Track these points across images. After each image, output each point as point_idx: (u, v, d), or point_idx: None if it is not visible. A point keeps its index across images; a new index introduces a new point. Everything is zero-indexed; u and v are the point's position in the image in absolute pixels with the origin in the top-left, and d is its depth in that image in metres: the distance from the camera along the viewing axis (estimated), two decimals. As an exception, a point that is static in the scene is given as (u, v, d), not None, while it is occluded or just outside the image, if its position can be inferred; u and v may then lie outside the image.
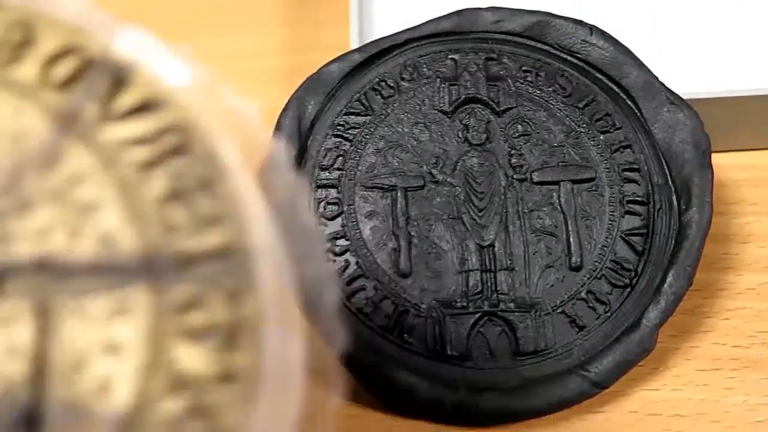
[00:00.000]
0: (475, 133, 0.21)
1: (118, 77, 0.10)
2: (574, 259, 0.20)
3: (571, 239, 0.20)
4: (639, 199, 0.20)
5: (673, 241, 0.20)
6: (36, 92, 0.10)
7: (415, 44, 0.22)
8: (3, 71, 0.10)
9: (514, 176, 0.21)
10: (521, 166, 0.21)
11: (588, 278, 0.20)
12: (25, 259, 0.09)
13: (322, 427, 0.10)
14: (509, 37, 0.22)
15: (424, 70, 0.22)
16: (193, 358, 0.09)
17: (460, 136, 0.21)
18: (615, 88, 0.21)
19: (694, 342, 0.20)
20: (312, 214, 0.11)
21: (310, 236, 0.10)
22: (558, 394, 0.19)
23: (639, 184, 0.21)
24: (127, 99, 0.10)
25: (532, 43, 0.22)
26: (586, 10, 0.23)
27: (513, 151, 0.21)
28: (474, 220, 0.20)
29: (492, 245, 0.20)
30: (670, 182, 0.21)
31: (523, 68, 0.22)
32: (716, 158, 0.21)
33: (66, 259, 0.09)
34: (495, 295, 0.20)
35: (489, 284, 0.20)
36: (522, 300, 0.20)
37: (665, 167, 0.21)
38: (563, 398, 0.19)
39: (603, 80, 0.22)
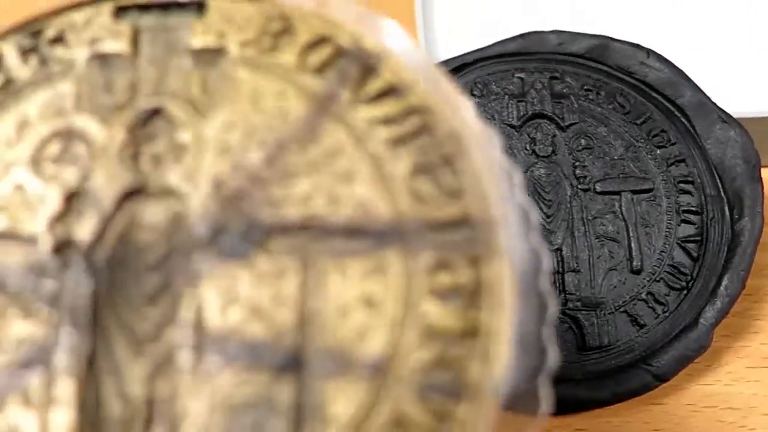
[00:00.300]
0: (541, 146, 0.23)
1: (368, 65, 0.12)
2: (634, 263, 0.22)
3: (632, 245, 0.22)
4: (693, 209, 0.22)
5: (726, 248, 0.22)
6: (295, 76, 0.12)
7: (483, 63, 0.24)
8: (266, 57, 0.12)
9: (579, 186, 0.22)
10: (585, 177, 0.22)
11: (648, 281, 0.21)
12: (290, 221, 0.11)
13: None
14: (572, 58, 0.24)
15: (493, 87, 0.24)
16: (440, 315, 0.10)
17: (528, 148, 0.23)
18: (670, 106, 0.23)
19: (745, 342, 0.22)
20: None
21: (527, 214, 0.11)
22: (622, 386, 0.20)
23: (693, 196, 0.22)
24: (375, 84, 0.12)
25: (593, 64, 0.24)
26: (643, 34, 0.25)
27: (577, 163, 0.23)
28: (542, 225, 0.22)
29: (560, 249, 0.22)
30: (722, 194, 0.22)
31: (585, 87, 0.24)
32: (765, 172, 0.22)
33: (326, 222, 0.11)
34: (563, 295, 0.21)
35: (557, 285, 0.21)
36: (587, 299, 0.21)
37: (717, 180, 0.22)
38: (627, 390, 0.20)
39: (659, 99, 0.23)
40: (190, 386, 0.10)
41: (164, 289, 0.11)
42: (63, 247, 0.11)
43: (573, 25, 0.24)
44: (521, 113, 0.23)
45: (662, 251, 0.22)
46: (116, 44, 0.12)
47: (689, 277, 0.21)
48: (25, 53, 0.12)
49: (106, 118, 0.12)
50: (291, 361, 0.10)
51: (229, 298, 0.11)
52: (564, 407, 0.20)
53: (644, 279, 0.21)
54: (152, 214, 0.11)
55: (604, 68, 0.24)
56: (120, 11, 0.13)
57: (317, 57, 0.12)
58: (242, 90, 0.12)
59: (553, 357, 0.11)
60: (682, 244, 0.22)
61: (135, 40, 0.12)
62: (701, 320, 0.21)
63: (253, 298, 0.11)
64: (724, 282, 0.21)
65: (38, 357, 0.11)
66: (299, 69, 0.12)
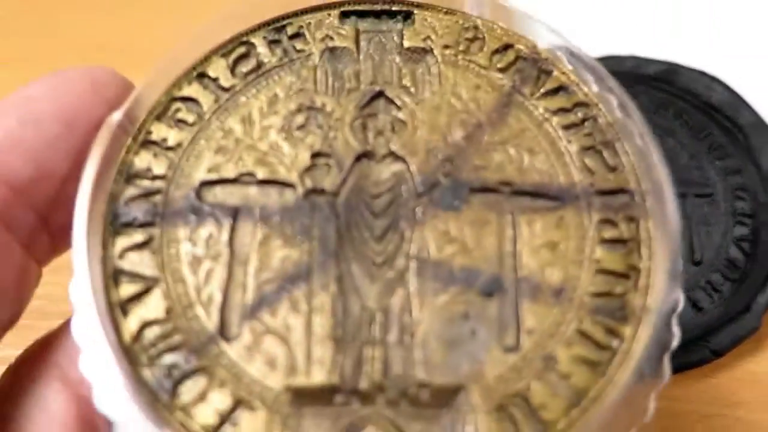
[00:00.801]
0: (617, 152, 0.26)
1: (542, 68, 0.16)
2: (696, 256, 0.25)
3: (694, 240, 0.25)
4: (747, 213, 0.26)
5: (774, 248, 0.25)
6: (486, 74, 0.15)
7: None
8: (462, 58, 0.16)
9: (649, 188, 0.26)
10: (654, 181, 0.26)
11: (707, 272, 0.25)
12: (488, 183, 0.14)
13: None
14: (645, 80, 0.28)
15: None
16: (607, 259, 0.14)
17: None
18: (729, 125, 0.27)
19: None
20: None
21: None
22: (685, 358, 0.24)
23: (747, 202, 0.26)
24: (549, 84, 0.15)
25: (663, 86, 0.27)
26: (708, 61, 0.28)
27: (648, 169, 0.26)
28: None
29: (632, 240, 0.25)
30: (772, 202, 0.26)
31: (656, 104, 0.27)
32: (810, 186, 0.26)
33: (516, 185, 0.14)
34: (634, 279, 0.25)
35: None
36: (654, 284, 0.25)
37: (769, 190, 0.26)
38: (688, 361, 0.24)
39: (719, 118, 0.27)
40: (417, 302, 0.14)
41: (391, 229, 0.14)
42: (311, 193, 0.14)
43: (646, 50, 0.28)
44: (600, 124, 0.27)
45: (720, 247, 0.25)
46: (343, 42, 0.16)
47: (742, 270, 0.25)
48: (271, 44, 0.16)
49: (339, 97, 0.15)
50: (493, 286, 0.14)
51: (443, 237, 0.14)
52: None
53: (704, 270, 0.25)
54: (379, 172, 0.15)
55: (673, 90, 0.27)
56: (344, 16, 0.16)
57: (503, 60, 0.16)
58: (444, 82, 0.15)
59: (677, 336, 0.14)
60: (737, 243, 0.25)
61: (357, 39, 0.16)
62: (753, 306, 0.24)
63: (462, 239, 0.14)
64: (773, 276, 0.24)
65: (299, 275, 0.14)
66: (488, 69, 0.16)
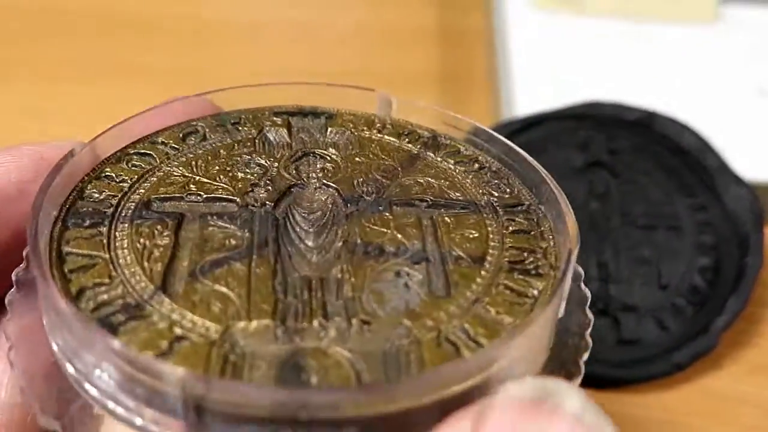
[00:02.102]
0: (598, 187, 0.29)
1: (441, 142, 0.19)
2: (663, 281, 0.28)
3: (661, 267, 0.28)
4: (710, 245, 0.28)
5: (733, 278, 0.28)
6: (398, 143, 0.19)
7: (556, 120, 0.31)
8: (373, 134, 0.20)
9: (624, 220, 0.29)
10: (629, 213, 0.29)
11: (672, 295, 0.28)
12: (405, 198, 0.17)
13: None
14: (625, 124, 0.31)
15: (564, 139, 0.30)
16: (517, 240, 0.16)
17: (587, 188, 0.29)
18: (698, 167, 0.30)
19: (745, 350, 0.28)
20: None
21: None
22: (648, 370, 0.26)
23: (711, 236, 0.28)
24: (448, 149, 0.19)
25: (641, 131, 0.30)
26: (681, 109, 0.31)
27: (624, 203, 0.29)
28: (594, 247, 0.28)
29: (607, 264, 0.28)
30: (733, 237, 0.28)
31: (633, 146, 0.30)
32: None
33: (432, 200, 0.17)
34: (607, 299, 0.27)
35: (603, 291, 0.27)
36: (625, 304, 0.27)
37: (731, 226, 0.29)
38: (652, 374, 0.26)
39: (689, 161, 0.30)
40: (352, 270, 0.15)
41: (324, 230, 0.16)
42: (251, 205, 0.17)
43: (626, 97, 0.31)
44: (583, 161, 0.30)
45: (684, 274, 0.28)
46: (276, 127, 0.19)
47: (703, 296, 0.28)
48: (216, 126, 0.19)
49: (274, 156, 0.18)
50: (421, 256, 0.16)
51: (372, 230, 0.16)
52: (604, 384, 0.26)
53: (669, 294, 0.28)
54: (312, 196, 0.17)
55: (650, 134, 0.30)
56: (276, 114, 0.20)
57: (409, 137, 0.20)
58: (363, 147, 0.19)
59: (588, 342, 0.17)
60: (700, 271, 0.28)
61: (288, 126, 0.19)
62: (711, 327, 0.27)
63: (388, 230, 0.16)
64: (730, 302, 0.27)
65: (240, 253, 0.15)
66: (399, 141, 0.19)
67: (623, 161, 0.30)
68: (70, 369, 0.14)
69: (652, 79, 0.36)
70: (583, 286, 0.17)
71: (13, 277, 0.16)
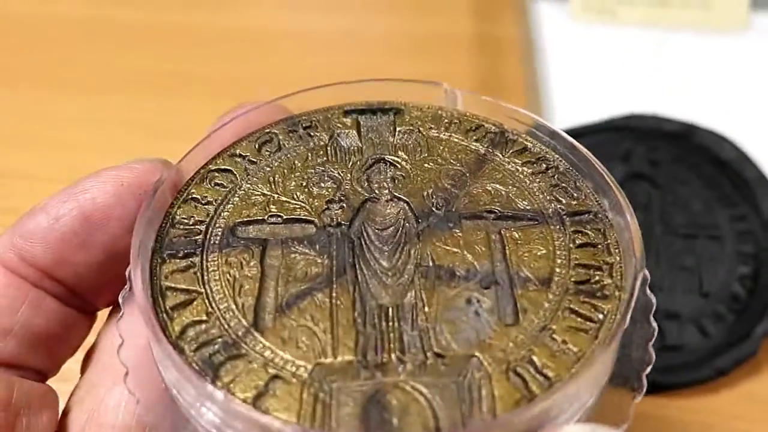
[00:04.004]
0: (639, 198, 0.30)
1: (509, 138, 0.19)
2: (704, 289, 0.28)
3: (703, 276, 0.28)
4: (750, 254, 0.29)
5: (772, 285, 0.28)
6: (465, 143, 0.19)
7: (598, 133, 0.31)
8: (444, 134, 0.20)
9: (666, 230, 0.29)
10: (670, 223, 0.29)
11: (713, 303, 0.28)
12: (474, 212, 0.18)
13: None
14: (665, 136, 0.31)
15: (605, 150, 0.31)
16: (582, 256, 0.17)
17: (629, 199, 0.30)
18: (736, 178, 0.30)
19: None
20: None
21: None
22: (691, 375, 0.27)
23: (750, 245, 0.29)
24: (515, 146, 0.19)
25: (681, 142, 0.31)
26: (721, 122, 0.32)
27: (665, 213, 0.29)
28: (638, 255, 0.29)
29: (650, 272, 0.28)
30: (772, 245, 0.29)
31: (673, 158, 0.30)
32: (805, 233, 0.29)
33: (500, 212, 0.18)
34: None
35: (646, 299, 0.28)
36: (668, 312, 0.28)
37: (770, 235, 0.29)
38: (695, 379, 0.27)
39: (728, 172, 0.30)
40: (425, 296, 0.16)
41: (398, 250, 0.17)
42: (328, 226, 0.17)
43: (661, 107, 0.31)
44: (625, 172, 0.30)
45: (725, 283, 0.28)
46: (346, 129, 0.20)
47: (744, 303, 0.28)
48: (289, 132, 0.20)
49: (347, 164, 0.19)
50: (490, 279, 0.16)
51: (442, 249, 0.17)
52: (648, 389, 0.27)
53: (711, 301, 0.28)
54: (384, 210, 0.18)
55: (689, 146, 0.31)
56: (346, 113, 0.20)
57: (476, 135, 0.20)
58: (431, 149, 0.19)
59: (654, 303, 0.17)
60: (740, 280, 0.28)
61: (358, 128, 0.20)
62: (752, 334, 0.27)
63: (458, 249, 0.17)
64: (771, 309, 0.27)
65: (321, 282, 0.16)
66: (466, 140, 0.19)
67: (664, 172, 0.30)
68: (179, 399, 0.15)
69: (686, 88, 0.36)
70: (648, 291, 0.17)
71: (120, 300, 0.17)
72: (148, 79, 0.43)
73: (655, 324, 0.17)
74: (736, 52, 0.39)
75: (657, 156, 0.31)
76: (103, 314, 0.20)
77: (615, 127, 0.31)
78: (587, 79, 0.37)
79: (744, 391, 0.27)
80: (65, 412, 0.18)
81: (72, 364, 0.19)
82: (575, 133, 0.31)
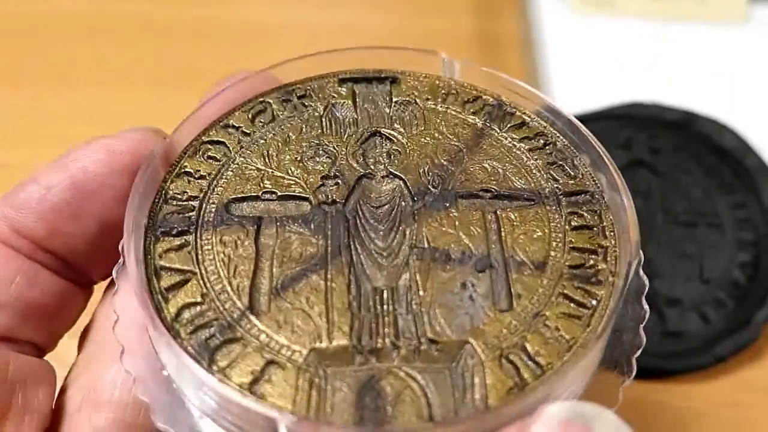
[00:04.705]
0: (640, 185, 0.29)
1: (507, 111, 0.19)
2: (704, 276, 0.28)
3: (703, 263, 0.28)
4: (750, 241, 0.29)
5: (772, 272, 0.28)
6: (462, 116, 0.19)
7: (599, 120, 0.31)
8: (441, 106, 0.19)
9: (666, 217, 0.29)
10: (671, 210, 0.29)
11: (714, 290, 0.28)
12: (470, 190, 0.17)
13: None
14: (666, 124, 0.31)
15: (605, 138, 0.30)
16: (577, 239, 0.16)
17: (630, 186, 0.29)
18: (737, 166, 0.30)
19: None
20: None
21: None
22: (691, 362, 0.27)
23: (750, 232, 0.29)
24: (513, 120, 0.19)
25: (681, 131, 0.31)
26: (721, 109, 0.31)
27: (666, 201, 0.29)
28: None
29: (651, 259, 0.28)
30: (772, 233, 0.29)
31: (674, 146, 0.30)
32: (805, 220, 0.29)
33: (496, 191, 0.17)
34: (652, 293, 0.28)
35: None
36: (669, 298, 0.28)
37: (770, 222, 0.29)
38: (695, 365, 0.27)
39: (729, 160, 0.30)
40: (420, 279, 0.16)
41: (393, 229, 0.17)
42: (323, 204, 0.17)
43: (661, 97, 0.31)
44: (626, 160, 0.30)
45: (725, 269, 0.28)
46: (342, 99, 0.19)
47: (744, 290, 0.28)
48: (283, 102, 0.19)
49: (342, 137, 0.18)
50: (485, 263, 0.16)
51: (438, 230, 0.16)
52: (648, 374, 0.27)
53: (711, 288, 0.28)
54: (380, 188, 0.17)
55: (689, 134, 0.31)
56: (342, 82, 0.19)
57: (474, 107, 0.19)
58: (428, 122, 0.19)
59: (647, 284, 0.17)
60: (740, 266, 0.28)
61: (353, 97, 0.19)
62: (752, 320, 0.27)
63: (454, 231, 0.16)
64: (771, 295, 0.27)
65: (316, 263, 0.16)
66: (463, 113, 0.19)
67: (664, 160, 0.30)
68: (175, 381, 0.15)
69: (686, 79, 0.36)
70: (641, 272, 0.17)
71: (114, 275, 0.17)
72: (149, 74, 0.43)
73: (646, 306, 0.17)
74: (734, 44, 0.39)
75: (658, 144, 0.30)
76: (100, 288, 0.19)
77: (616, 115, 0.31)
78: (588, 71, 0.37)
79: (744, 377, 0.27)
80: (63, 389, 0.17)
81: (69, 340, 0.19)
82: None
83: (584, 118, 0.31)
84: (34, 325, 0.17)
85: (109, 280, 0.19)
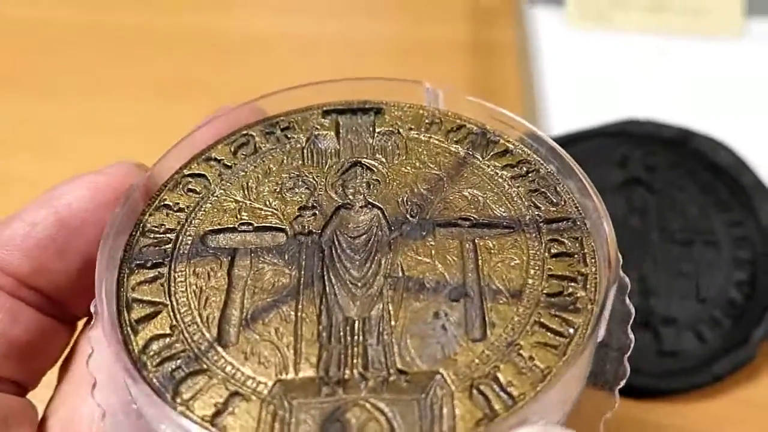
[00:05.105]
0: (636, 203, 0.29)
1: (490, 139, 0.19)
2: (701, 295, 0.28)
3: (700, 281, 0.28)
4: (747, 260, 0.28)
5: (769, 291, 0.28)
6: (443, 145, 0.19)
7: (594, 138, 0.31)
8: (424, 135, 0.19)
9: (662, 235, 0.29)
10: (667, 228, 0.29)
11: (710, 308, 0.28)
12: (448, 219, 0.17)
13: None
14: (661, 142, 0.31)
15: (602, 156, 0.30)
16: (556, 267, 0.16)
17: (626, 204, 0.29)
18: (733, 184, 0.30)
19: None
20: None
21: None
22: (688, 381, 0.26)
23: (747, 251, 0.29)
24: (496, 148, 0.18)
25: (677, 148, 0.31)
26: (717, 127, 0.31)
27: (662, 218, 0.29)
28: (635, 261, 0.28)
29: (645, 278, 0.28)
30: (768, 251, 0.29)
31: (670, 163, 0.30)
32: (801, 238, 0.29)
33: (475, 219, 0.17)
34: (647, 312, 0.27)
35: (643, 304, 0.28)
36: (665, 317, 0.27)
37: (767, 240, 0.29)
38: (692, 384, 0.26)
39: (725, 178, 0.30)
40: (392, 309, 0.15)
41: (369, 260, 0.16)
42: (299, 234, 0.17)
43: (657, 112, 0.31)
44: (622, 177, 0.30)
45: (722, 288, 0.28)
46: (325, 130, 0.19)
47: (741, 309, 0.28)
48: (266, 134, 0.19)
49: (322, 168, 0.18)
50: (460, 292, 0.16)
51: (414, 260, 0.16)
52: (644, 394, 0.27)
53: (708, 307, 0.28)
54: (357, 218, 0.17)
55: (685, 151, 0.30)
56: (325, 114, 0.20)
57: (457, 136, 0.19)
58: (410, 152, 0.19)
59: (632, 313, 0.16)
60: (737, 285, 0.28)
61: (337, 129, 0.19)
62: (750, 339, 0.27)
63: (429, 260, 0.16)
64: None
65: (288, 294, 0.16)
66: (446, 142, 0.19)
67: (660, 178, 0.30)
68: (144, 414, 0.15)
69: (681, 93, 0.36)
70: (627, 300, 0.17)
71: (92, 309, 0.17)
72: (147, 83, 0.42)
73: (632, 336, 0.17)
74: (731, 58, 0.39)
75: (653, 161, 0.30)
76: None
77: (611, 132, 0.31)
78: (583, 84, 0.37)
79: (741, 396, 0.27)
80: (43, 420, 0.17)
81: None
82: (571, 138, 0.31)
83: (580, 136, 0.31)
84: (16, 363, 0.17)
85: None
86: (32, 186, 0.37)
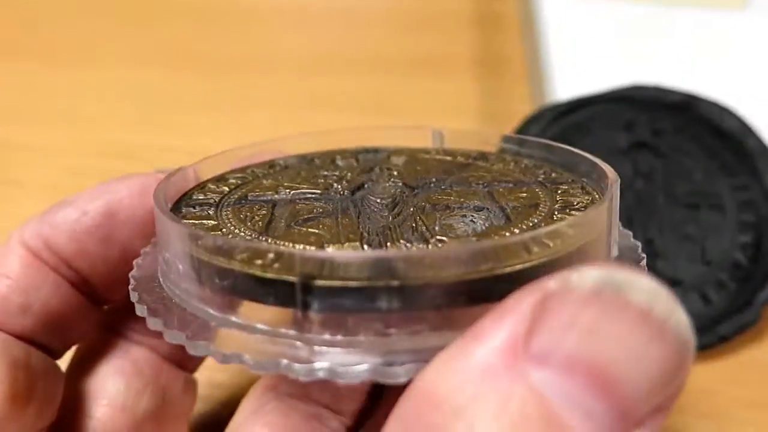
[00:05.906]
0: (642, 167, 0.29)
1: (489, 155, 0.21)
2: (706, 257, 0.28)
3: (705, 244, 0.28)
4: (751, 223, 0.28)
5: (773, 254, 0.28)
6: (451, 159, 0.21)
7: (600, 103, 0.31)
8: (433, 156, 0.21)
9: (668, 199, 0.29)
10: (673, 192, 0.29)
11: (715, 271, 0.28)
12: (468, 180, 0.19)
13: None
14: (667, 106, 0.30)
15: (608, 120, 0.30)
16: (565, 195, 0.17)
17: (632, 168, 0.29)
18: (738, 149, 0.30)
19: (783, 323, 0.28)
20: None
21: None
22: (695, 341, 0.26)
23: (752, 214, 0.29)
24: (498, 159, 0.20)
25: (682, 113, 0.30)
26: (722, 92, 0.31)
27: (668, 182, 0.29)
28: (641, 224, 0.28)
29: (653, 241, 0.28)
30: (773, 214, 0.29)
31: (675, 128, 0.30)
32: (806, 202, 0.29)
33: (490, 182, 0.18)
34: (654, 273, 0.27)
35: (650, 267, 0.28)
36: (670, 279, 0.27)
37: (771, 204, 0.29)
38: (698, 346, 0.26)
39: (731, 142, 0.30)
40: (424, 217, 0.17)
41: (396, 207, 0.18)
42: (333, 192, 0.18)
43: (660, 80, 0.31)
44: (628, 142, 0.30)
45: (727, 251, 0.28)
46: (343, 158, 0.21)
47: (746, 271, 0.28)
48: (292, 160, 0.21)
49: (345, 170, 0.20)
50: (480, 207, 0.17)
51: (437, 197, 0.18)
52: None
53: (713, 269, 0.28)
54: (382, 187, 0.19)
55: (690, 116, 0.30)
56: (344, 153, 0.21)
57: (462, 157, 0.21)
58: (422, 161, 0.20)
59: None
60: (742, 248, 0.28)
61: (356, 158, 0.21)
62: (754, 301, 0.27)
63: (452, 196, 0.18)
64: (772, 276, 0.27)
65: (327, 214, 0.17)
66: (453, 156, 0.21)
67: (666, 142, 0.30)
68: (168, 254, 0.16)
69: (686, 63, 0.36)
70: (643, 263, 0.17)
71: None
72: (147, 54, 0.42)
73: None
74: (734, 29, 0.38)
75: (659, 126, 0.30)
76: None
77: (618, 97, 0.31)
78: (587, 54, 0.37)
79: (746, 357, 0.27)
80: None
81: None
82: (578, 104, 0.31)
83: (585, 102, 0.31)
84: (52, 333, 0.19)
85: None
86: (31, 153, 0.37)
